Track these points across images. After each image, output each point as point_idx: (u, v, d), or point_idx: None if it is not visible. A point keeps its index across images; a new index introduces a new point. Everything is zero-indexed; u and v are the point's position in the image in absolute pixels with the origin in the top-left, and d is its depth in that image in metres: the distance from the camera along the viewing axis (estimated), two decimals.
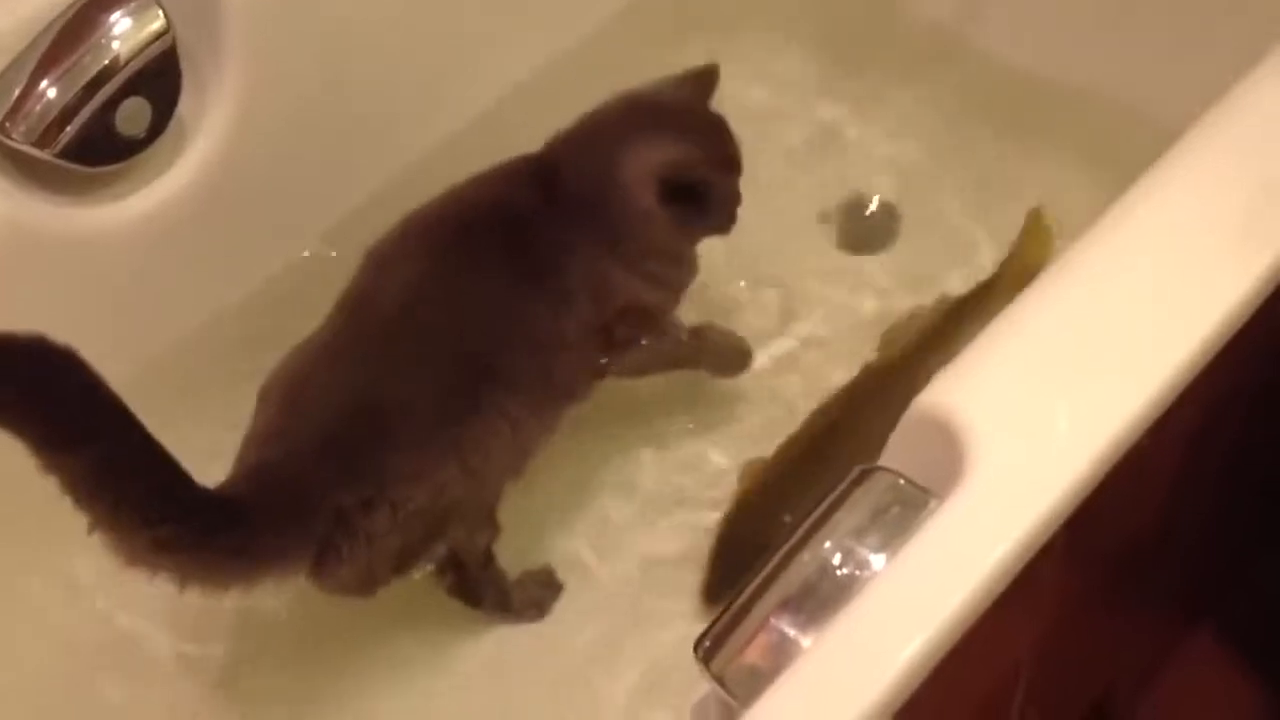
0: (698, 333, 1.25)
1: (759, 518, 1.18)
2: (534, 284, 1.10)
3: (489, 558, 1.16)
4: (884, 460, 0.83)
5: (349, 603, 1.09)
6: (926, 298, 1.30)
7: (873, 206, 1.43)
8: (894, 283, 1.36)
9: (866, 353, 1.27)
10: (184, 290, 1.28)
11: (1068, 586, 0.93)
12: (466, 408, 1.06)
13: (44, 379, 0.89)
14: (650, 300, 1.18)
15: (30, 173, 1.15)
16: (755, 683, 0.78)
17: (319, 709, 1.15)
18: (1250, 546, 1.29)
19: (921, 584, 0.77)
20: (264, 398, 1.07)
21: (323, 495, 1.01)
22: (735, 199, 1.18)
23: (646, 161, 1.12)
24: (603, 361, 1.17)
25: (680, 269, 1.20)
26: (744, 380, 1.29)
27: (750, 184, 1.18)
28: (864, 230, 1.41)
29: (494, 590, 1.17)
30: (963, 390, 0.82)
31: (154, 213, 1.22)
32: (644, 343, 1.20)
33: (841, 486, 0.83)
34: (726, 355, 1.28)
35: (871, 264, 1.38)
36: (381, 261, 1.12)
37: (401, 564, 1.08)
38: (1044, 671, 1.01)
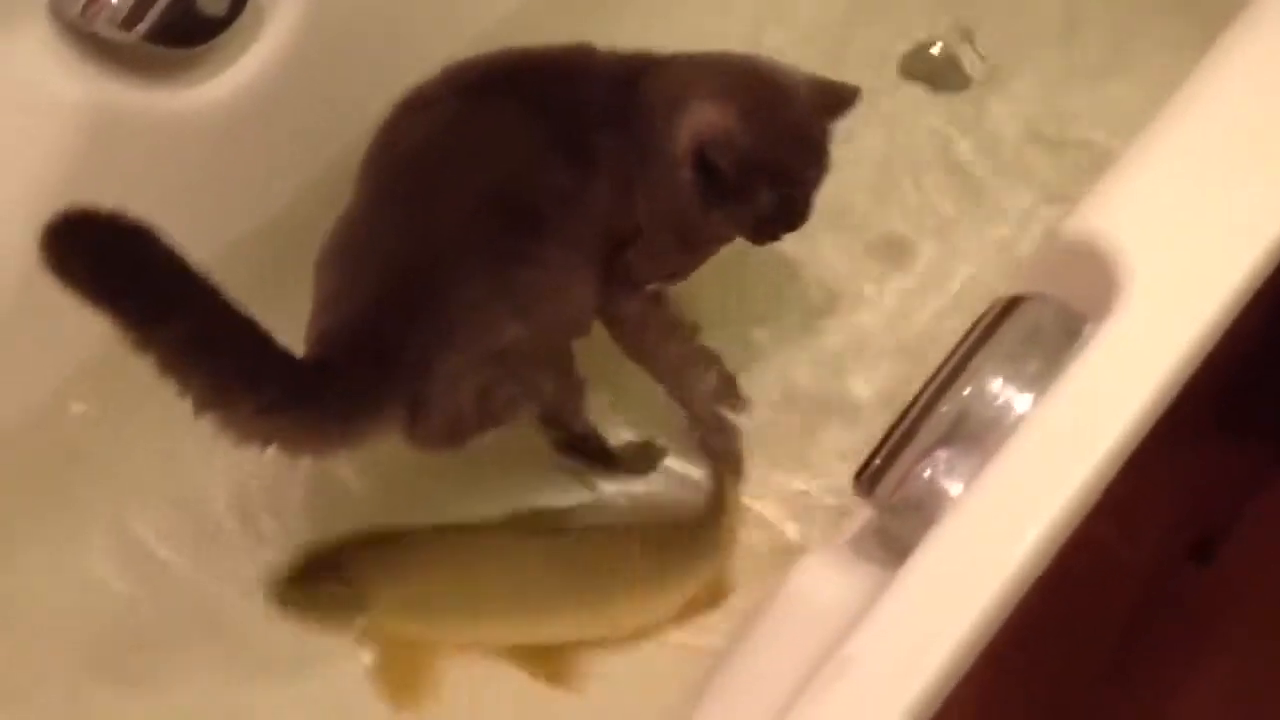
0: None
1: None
2: (566, 154, 1.08)
3: (585, 423, 1.18)
4: (1030, 288, 0.84)
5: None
6: None
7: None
8: None
9: None
10: (263, 173, 1.27)
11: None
12: (509, 252, 1.05)
13: (128, 252, 0.89)
14: (640, 260, 1.14)
15: (114, 57, 1.14)
16: (918, 513, 0.80)
17: None
18: None
19: (1083, 411, 0.78)
20: (320, 267, 1.07)
21: (397, 347, 1.01)
22: (782, 215, 1.11)
23: (702, 119, 1.08)
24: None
25: (685, 252, 1.16)
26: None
27: None
28: None
29: (597, 447, 1.19)
30: (1110, 212, 0.82)
31: (234, 95, 1.21)
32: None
33: (990, 316, 0.83)
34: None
35: None
36: (420, 106, 1.11)
37: (485, 414, 1.08)
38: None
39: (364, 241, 1.06)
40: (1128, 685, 1.15)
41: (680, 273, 1.18)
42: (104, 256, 0.88)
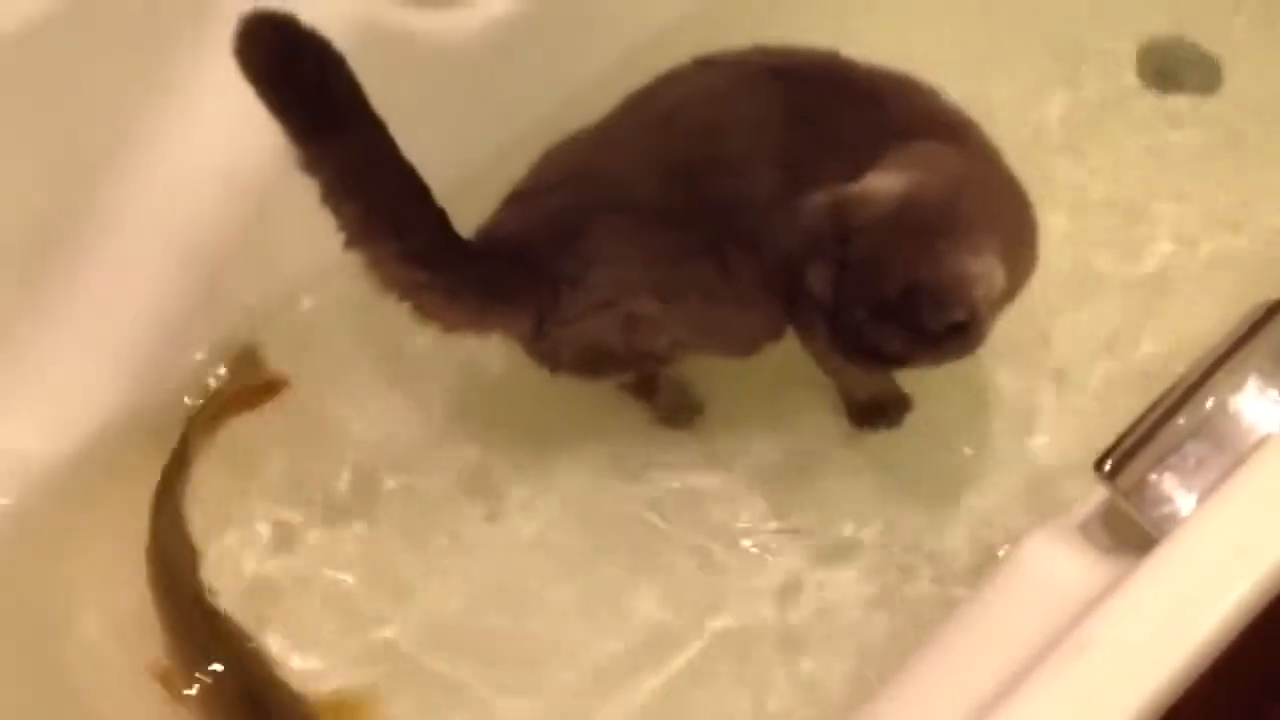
0: None
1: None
2: (792, 176, 1.02)
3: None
4: None
5: None
6: None
7: None
8: None
9: None
10: (510, 95, 1.30)
11: None
12: (683, 241, 1.04)
13: (314, 67, 0.90)
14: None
15: None
16: (1161, 505, 0.79)
17: None
18: None
19: None
20: (537, 162, 1.10)
21: (544, 263, 1.04)
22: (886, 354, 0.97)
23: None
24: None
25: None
26: None
27: None
28: None
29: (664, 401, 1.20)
30: None
31: (484, 26, 1.24)
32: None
33: (1257, 316, 0.82)
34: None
35: None
36: (689, 75, 1.11)
37: (581, 361, 1.09)
38: None
39: (573, 160, 1.08)
40: None
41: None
42: (289, 64, 0.90)
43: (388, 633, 1.11)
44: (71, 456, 1.11)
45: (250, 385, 1.19)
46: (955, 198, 0.94)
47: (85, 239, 1.15)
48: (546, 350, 1.08)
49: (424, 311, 1.02)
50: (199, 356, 1.20)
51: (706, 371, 1.21)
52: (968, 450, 1.18)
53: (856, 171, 0.96)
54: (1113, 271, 1.25)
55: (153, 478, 1.15)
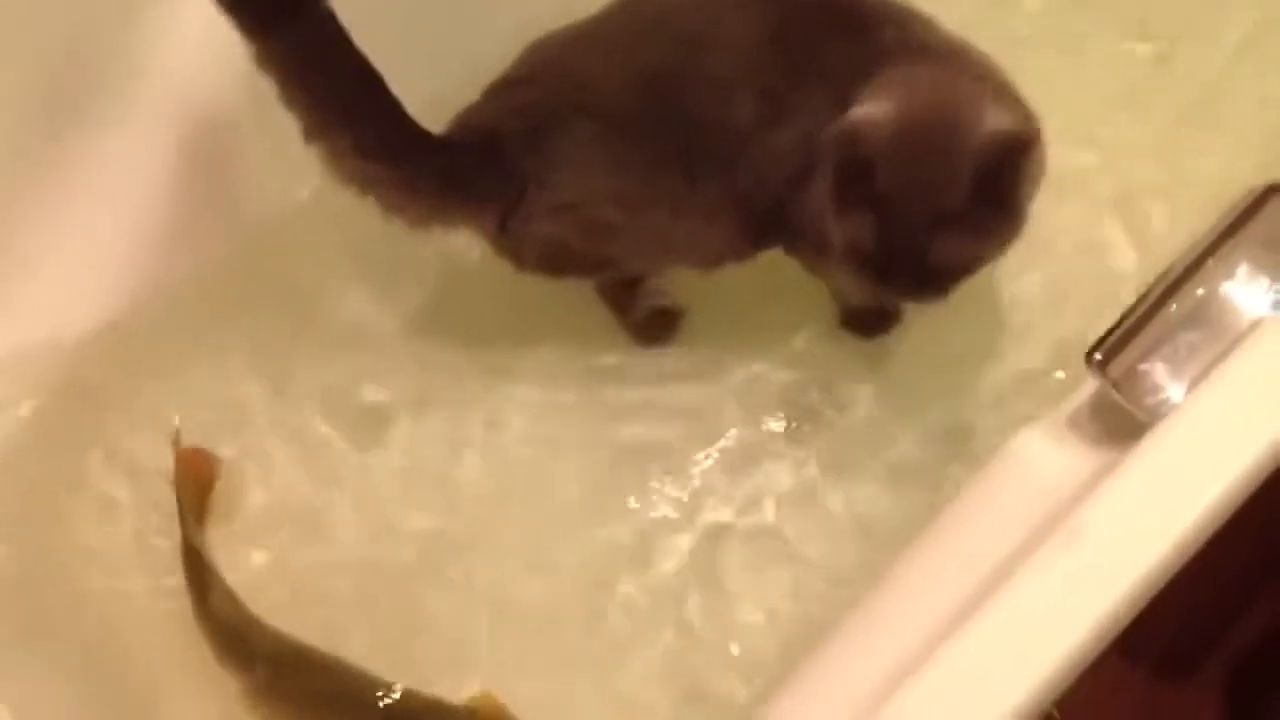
0: None
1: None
2: (765, 97, 1.01)
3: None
4: None
5: None
6: None
7: None
8: None
9: None
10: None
11: None
12: (653, 154, 1.03)
13: None
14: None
15: None
16: (1153, 394, 0.79)
17: None
18: None
19: None
20: (526, 52, 1.08)
21: (514, 158, 1.03)
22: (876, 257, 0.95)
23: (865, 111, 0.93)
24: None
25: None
26: None
27: None
28: None
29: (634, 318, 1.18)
30: None
31: None
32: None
33: (1245, 204, 0.81)
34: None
35: None
36: None
37: (544, 260, 1.09)
38: None
39: (555, 56, 1.07)
40: None
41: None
42: None
43: (341, 541, 1.11)
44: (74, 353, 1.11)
45: (200, 484, 1.11)
46: (956, 93, 0.94)
47: (84, 138, 1.14)
48: (511, 247, 1.07)
49: (385, 205, 1.02)
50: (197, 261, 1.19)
51: (687, 284, 1.19)
52: (963, 351, 1.17)
53: (839, 101, 0.95)
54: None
55: (153, 372, 1.16)
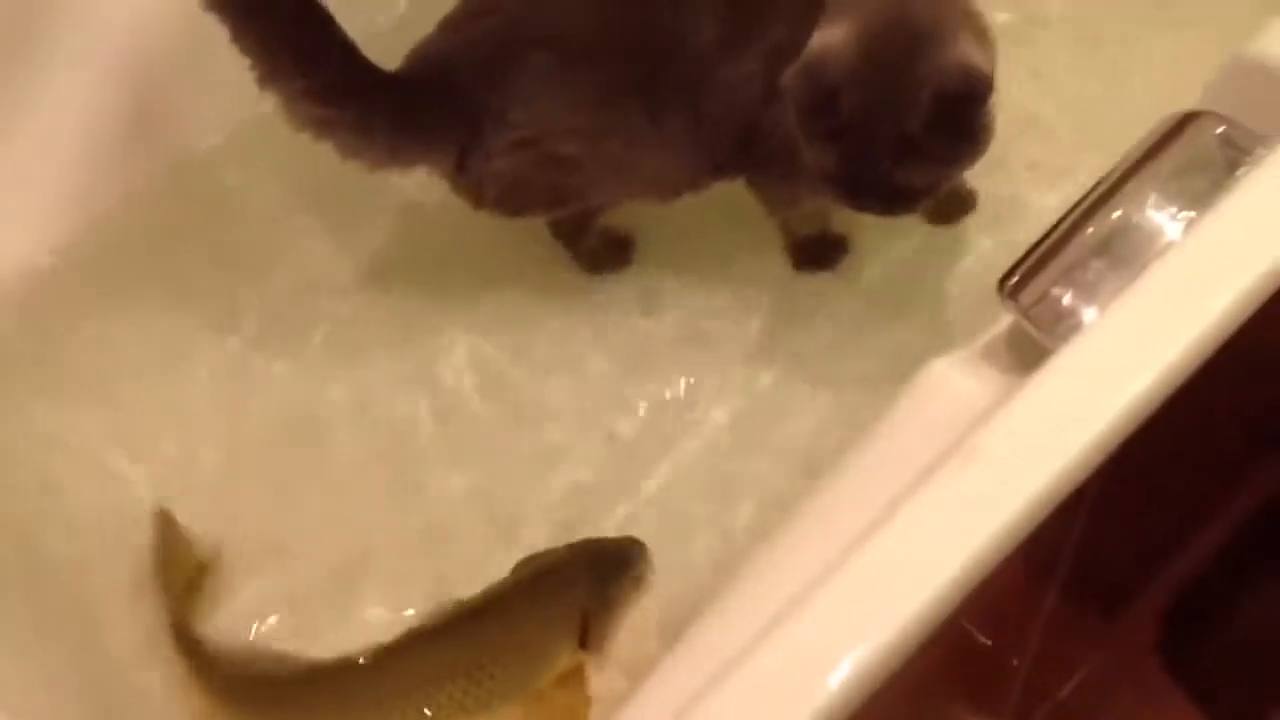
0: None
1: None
2: (735, 33, 1.03)
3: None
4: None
5: None
6: None
7: None
8: None
9: None
10: None
11: None
12: (611, 83, 1.03)
13: None
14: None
15: None
16: (1062, 320, 0.80)
17: None
18: None
19: (1244, 229, 0.76)
20: None
21: (471, 94, 1.03)
22: (842, 178, 0.97)
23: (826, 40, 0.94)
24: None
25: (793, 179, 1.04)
26: None
27: None
28: None
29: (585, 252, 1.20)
30: None
31: None
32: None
33: (1161, 132, 0.82)
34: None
35: None
36: None
37: (504, 197, 1.09)
38: None
39: None
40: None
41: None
42: None
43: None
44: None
45: (186, 574, 1.09)
46: (908, 14, 0.94)
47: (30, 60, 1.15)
48: (471, 185, 1.07)
49: (342, 150, 1.01)
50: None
51: (637, 217, 1.20)
52: (910, 287, 1.19)
53: (802, 20, 0.95)
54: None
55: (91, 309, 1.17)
